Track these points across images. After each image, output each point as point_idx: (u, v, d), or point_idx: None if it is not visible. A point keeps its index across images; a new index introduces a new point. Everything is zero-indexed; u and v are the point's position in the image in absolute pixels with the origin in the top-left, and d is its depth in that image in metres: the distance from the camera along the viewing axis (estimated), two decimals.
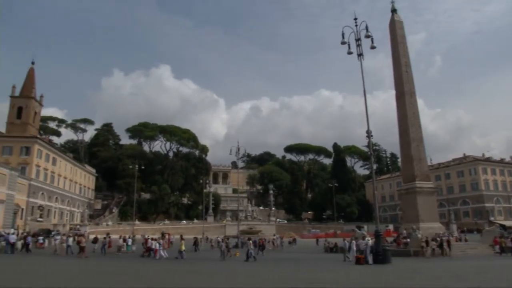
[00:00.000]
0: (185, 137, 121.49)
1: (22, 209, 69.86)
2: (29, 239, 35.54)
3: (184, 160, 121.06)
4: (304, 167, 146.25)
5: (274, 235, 60.68)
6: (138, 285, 14.85)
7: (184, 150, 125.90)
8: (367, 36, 25.43)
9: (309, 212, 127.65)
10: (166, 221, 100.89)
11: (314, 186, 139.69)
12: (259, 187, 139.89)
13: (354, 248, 28.42)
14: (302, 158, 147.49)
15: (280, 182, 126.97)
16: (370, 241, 25.97)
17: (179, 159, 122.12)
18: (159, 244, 31.82)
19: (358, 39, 25.86)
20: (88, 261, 27.20)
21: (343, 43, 26.06)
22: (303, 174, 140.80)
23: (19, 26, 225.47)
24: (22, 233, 45.58)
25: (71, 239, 35.23)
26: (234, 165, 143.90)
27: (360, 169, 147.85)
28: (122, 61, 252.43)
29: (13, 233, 39.01)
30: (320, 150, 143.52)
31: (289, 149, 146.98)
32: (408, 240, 33.13)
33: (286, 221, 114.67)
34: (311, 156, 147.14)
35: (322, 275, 19.70)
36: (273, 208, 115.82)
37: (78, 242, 31.10)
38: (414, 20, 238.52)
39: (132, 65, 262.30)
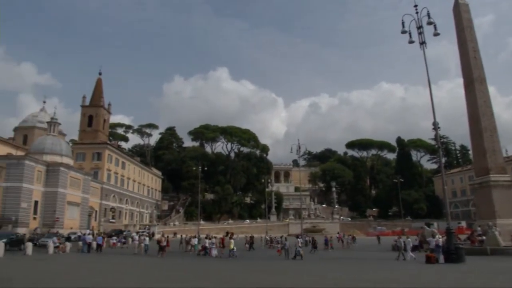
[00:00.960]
0: (246, 137, 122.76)
1: (96, 211, 74.13)
2: (100, 239, 37.39)
3: (245, 160, 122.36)
4: (367, 163, 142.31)
5: (338, 233, 59.45)
6: (210, 283, 15.01)
7: (245, 150, 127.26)
8: (430, 23, 23.98)
9: (373, 209, 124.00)
10: (230, 221, 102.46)
11: (378, 182, 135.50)
12: (321, 184, 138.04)
13: (410, 246, 27.39)
14: (364, 153, 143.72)
15: (343, 179, 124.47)
16: (441, 239, 24.53)
17: (241, 159, 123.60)
18: (212, 243, 32.53)
19: (419, 27, 24.48)
20: (166, 260, 27.70)
21: (403, 32, 24.82)
22: (366, 170, 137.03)
23: (86, 40, 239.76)
24: (98, 234, 48.07)
25: (147, 239, 36.62)
26: (295, 163, 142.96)
27: (427, 163, 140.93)
28: (181, 67, 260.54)
29: (89, 234, 41.36)
30: (383, 145, 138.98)
31: (350, 145, 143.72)
32: (484, 237, 30.90)
33: (350, 219, 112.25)
34: (373, 151, 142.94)
35: (389, 274, 18.86)
36: (336, 206, 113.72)
37: (159, 242, 31.75)
38: (480, 2, 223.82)
39: (191, 70, 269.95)
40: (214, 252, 31.50)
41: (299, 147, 53.02)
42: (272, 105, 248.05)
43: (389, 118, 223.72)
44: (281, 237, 44.52)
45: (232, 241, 31.83)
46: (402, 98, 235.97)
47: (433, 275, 17.73)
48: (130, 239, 44.90)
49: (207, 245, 32.52)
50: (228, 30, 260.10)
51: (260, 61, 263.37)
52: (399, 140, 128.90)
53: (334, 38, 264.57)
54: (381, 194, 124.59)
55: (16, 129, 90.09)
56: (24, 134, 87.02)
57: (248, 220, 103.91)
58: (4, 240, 30.30)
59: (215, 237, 36.43)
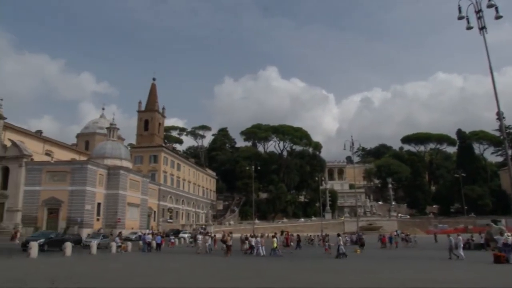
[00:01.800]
0: (298, 135, 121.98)
1: (154, 211, 76.64)
2: (159, 238, 38.52)
3: (298, 158, 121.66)
4: (425, 157, 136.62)
5: (395, 231, 57.51)
6: (266, 282, 14.97)
7: (298, 148, 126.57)
8: (490, 6, 22.41)
9: (433, 206, 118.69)
10: (285, 220, 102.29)
11: (438, 177, 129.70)
12: (376, 181, 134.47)
13: (461, 245, 26.08)
14: (421, 148, 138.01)
15: (399, 175, 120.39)
16: (510, 237, 22.94)
17: (293, 157, 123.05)
18: (258, 242, 32.43)
19: (478, 11, 22.94)
20: (230, 259, 27.86)
21: (460, 18, 23.35)
22: (424, 165, 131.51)
23: (141, 48, 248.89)
24: (156, 234, 49.59)
25: (210, 239, 37.15)
26: (349, 160, 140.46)
27: (491, 156, 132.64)
28: (231, 68, 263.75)
29: (149, 234, 42.76)
30: (441, 138, 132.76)
31: (406, 139, 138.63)
32: None
33: (408, 216, 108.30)
34: (431, 145, 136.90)
35: (452, 274, 17.87)
36: (393, 203, 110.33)
37: (224, 241, 31.75)
38: None
39: (240, 71, 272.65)
40: (260, 251, 31.43)
41: (353, 144, 51.83)
42: (323, 102, 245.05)
43: (447, 110, 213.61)
44: (325, 235, 43.87)
45: (275, 239, 31.72)
46: (461, 88, 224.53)
47: (505, 276, 16.56)
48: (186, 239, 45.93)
49: (253, 243, 32.53)
50: (277, 29, 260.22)
51: (309, 58, 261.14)
52: (460, 133, 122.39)
53: (385, 30, 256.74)
54: (442, 190, 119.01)
55: (78, 136, 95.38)
56: (86, 140, 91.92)
57: (302, 219, 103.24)
58: (42, 240, 30.51)
59: (261, 236, 36.42)
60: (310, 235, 54.98)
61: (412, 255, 31.63)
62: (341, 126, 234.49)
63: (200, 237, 36.89)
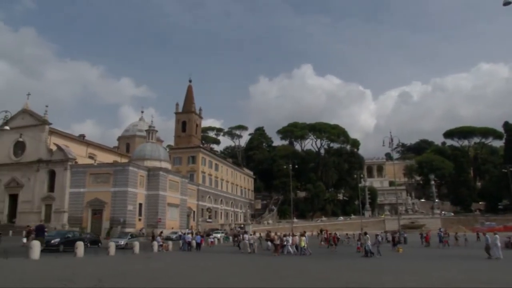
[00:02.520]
0: (335, 132, 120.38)
1: (194, 211, 77.77)
2: (198, 238, 39.00)
3: (336, 156, 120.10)
4: (469, 152, 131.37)
5: (439, 229, 55.63)
6: (307, 282, 14.83)
7: (335, 145, 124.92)
8: None
9: (479, 203, 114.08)
10: (323, 218, 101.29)
11: (484, 173, 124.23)
12: (418, 178, 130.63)
13: (499, 244, 24.80)
14: (465, 142, 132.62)
15: (442, 171, 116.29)
16: None
17: (331, 155, 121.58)
18: (288, 241, 32.41)
19: None
20: (278, 258, 27.64)
21: (506, 3, 22.28)
22: (468, 160, 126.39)
23: (177, 51, 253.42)
24: (197, 233, 50.23)
25: (252, 238, 37.19)
26: (389, 156, 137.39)
27: None
28: (265, 68, 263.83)
29: (188, 233, 43.43)
30: (487, 132, 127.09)
31: (449, 134, 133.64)
32: None
33: (452, 214, 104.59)
34: (476, 139, 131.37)
35: (487, 274, 17.03)
36: (436, 200, 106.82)
37: (271, 240, 31.82)
38: None
39: (275, 70, 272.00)
40: (289, 249, 31.46)
41: (392, 140, 50.39)
42: (360, 98, 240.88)
43: (492, 102, 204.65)
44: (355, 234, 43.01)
45: (303, 238, 31.56)
46: (507, 79, 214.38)
47: None
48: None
49: (284, 242, 32.32)
50: (310, 26, 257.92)
51: (345, 54, 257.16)
52: (507, 125, 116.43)
53: (423, 22, 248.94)
54: (488, 186, 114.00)
55: (119, 138, 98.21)
56: (126, 143, 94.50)
57: (341, 217, 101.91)
58: (57, 239, 28.74)
59: (290, 235, 36.26)
60: (347, 234, 54.26)
61: (454, 254, 30.55)
62: (378, 122, 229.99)
63: (246, 236, 36.91)
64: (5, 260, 18.92)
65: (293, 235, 35.21)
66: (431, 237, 43.61)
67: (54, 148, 61.18)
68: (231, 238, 50.45)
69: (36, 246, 20.49)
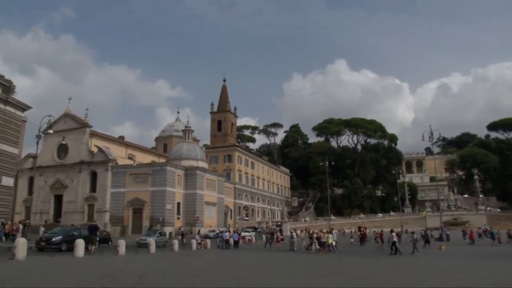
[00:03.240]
0: (371, 128, 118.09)
1: (231, 210, 78.34)
2: (236, 236, 39.23)
3: (373, 152, 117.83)
4: None
5: (484, 226, 53.57)
6: (348, 280, 14.58)
7: (372, 141, 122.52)
8: None
9: None
10: (361, 215, 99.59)
11: None
12: (460, 173, 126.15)
13: None
14: (511, 135, 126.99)
15: (486, 165, 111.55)
16: None
17: (368, 151, 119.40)
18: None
19: None
20: (319, 256, 27.33)
21: None
22: None
23: (211, 52, 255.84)
24: (234, 231, 50.56)
25: (295, 236, 36.78)
26: (429, 151, 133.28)
27: None
28: (299, 64, 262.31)
29: (226, 231, 43.73)
30: None
31: (493, 126, 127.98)
32: None
33: (498, 210, 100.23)
34: None
35: None
36: (480, 196, 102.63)
37: (318, 238, 31.33)
38: None
39: (308, 66, 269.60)
40: (316, 246, 31.52)
41: (432, 134, 48.79)
42: (397, 92, 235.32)
43: None
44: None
45: (330, 235, 31.52)
46: None
47: None
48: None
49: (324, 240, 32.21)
50: (343, 21, 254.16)
51: (380, 48, 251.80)
52: None
53: (461, 10, 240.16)
54: None
55: (157, 139, 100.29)
56: (164, 143, 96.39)
57: (380, 214, 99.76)
58: (59, 237, 25.77)
59: (316, 233, 35.82)
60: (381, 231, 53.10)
61: (504, 252, 29.25)
62: (417, 116, 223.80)
63: (294, 234, 36.50)
64: (51, 258, 19.65)
65: (321, 232, 34.91)
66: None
67: (95, 150, 63.15)
68: (264, 236, 50.39)
69: (80, 245, 21.15)
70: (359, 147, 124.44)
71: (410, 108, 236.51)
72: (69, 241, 24.98)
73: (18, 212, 62.36)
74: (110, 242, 35.42)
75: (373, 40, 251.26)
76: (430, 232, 48.64)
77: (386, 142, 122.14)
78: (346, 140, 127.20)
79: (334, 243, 31.20)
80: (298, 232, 53.48)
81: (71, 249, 24.23)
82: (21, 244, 18.13)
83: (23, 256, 17.81)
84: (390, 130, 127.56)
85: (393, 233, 29.29)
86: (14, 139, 36.18)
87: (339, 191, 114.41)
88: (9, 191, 35.61)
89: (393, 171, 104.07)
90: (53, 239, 25.05)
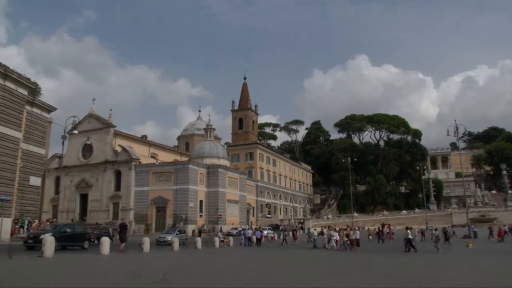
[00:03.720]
0: (394, 123, 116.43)
1: (253, 207, 78.49)
2: (258, 233, 39.23)
3: (396, 148, 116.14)
4: None
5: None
6: (374, 278, 14.40)
7: (395, 137, 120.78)
8: None
9: None
10: (385, 212, 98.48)
11: None
12: (487, 168, 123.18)
13: None
14: None
15: None
16: None
17: (391, 147, 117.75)
18: (331, 235, 32.34)
19: None
20: (356, 254, 26.62)
21: None
22: None
23: (231, 50, 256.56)
24: (256, 229, 50.65)
25: (336, 234, 36.44)
26: (454, 146, 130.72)
27: None
28: (319, 61, 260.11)
29: (248, 229, 43.86)
30: None
31: None
32: None
33: None
34: None
35: None
36: (509, 191, 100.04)
37: (347, 236, 30.76)
38: None
39: (329, 62, 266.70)
40: (333, 243, 31.47)
41: (457, 128, 47.55)
42: (420, 87, 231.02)
43: None
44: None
45: (351, 232, 31.84)
46: None
47: None
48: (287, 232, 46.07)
49: (356, 236, 32.47)
50: (364, 15, 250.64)
51: (402, 42, 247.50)
52: None
53: (486, 2, 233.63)
54: None
55: (179, 138, 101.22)
56: (186, 142, 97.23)
57: (404, 211, 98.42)
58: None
59: (334, 230, 35.48)
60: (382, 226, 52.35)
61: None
62: (441, 110, 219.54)
63: (324, 231, 36.21)
64: (77, 255, 20.04)
65: (338, 230, 34.66)
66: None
67: (119, 149, 64.14)
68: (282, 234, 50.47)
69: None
70: (381, 143, 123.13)
71: (434, 103, 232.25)
72: (61, 238, 23.61)
73: (46, 211, 63.99)
74: (111, 240, 30.24)
75: (395, 34, 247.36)
76: (452, 229, 47.80)
77: (409, 138, 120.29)
78: (369, 136, 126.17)
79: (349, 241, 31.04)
80: (325, 229, 53.24)
81: (64, 247, 23.97)
82: (49, 242, 18.53)
83: (51, 254, 18.19)
84: (413, 125, 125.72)
85: (408, 231, 29.00)
86: (41, 140, 37.03)
87: (361, 187, 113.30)
88: (37, 190, 36.47)
89: (418, 167, 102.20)
90: (41, 236, 21.85)
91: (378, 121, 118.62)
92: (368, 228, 54.67)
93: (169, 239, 33.10)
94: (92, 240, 28.49)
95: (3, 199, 28.52)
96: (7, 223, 28.96)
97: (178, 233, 37.02)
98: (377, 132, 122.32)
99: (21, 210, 32.34)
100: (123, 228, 25.36)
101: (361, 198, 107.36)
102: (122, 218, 31.28)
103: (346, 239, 30.50)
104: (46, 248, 18.10)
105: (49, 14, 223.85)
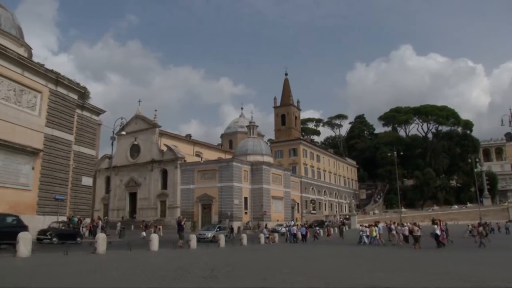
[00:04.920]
0: (443, 114, 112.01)
1: (298, 203, 78.21)
2: (304, 229, 39.07)
3: (446, 140, 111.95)
4: None
5: None
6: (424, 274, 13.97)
7: (444, 128, 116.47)
8: None
9: None
10: (435, 207, 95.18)
11: None
12: None
13: None
14: None
15: None
16: None
17: (440, 139, 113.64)
18: (363, 231, 32.70)
19: None
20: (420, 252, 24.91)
21: None
22: None
23: (271, 47, 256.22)
24: (302, 225, 50.45)
25: (367, 230, 35.65)
26: (509, 137, 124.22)
27: None
28: (361, 53, 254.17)
29: (293, 225, 43.77)
30: None
31: None
32: None
33: None
34: None
35: None
36: None
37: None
38: None
39: (371, 54, 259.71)
40: (365, 240, 31.73)
41: None
42: (470, 75, 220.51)
43: None
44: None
45: (373, 228, 31.92)
46: None
47: None
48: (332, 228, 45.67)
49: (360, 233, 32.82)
50: (407, 3, 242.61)
51: (449, 29, 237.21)
52: None
53: None
54: None
55: (222, 136, 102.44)
56: (229, 139, 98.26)
57: (456, 206, 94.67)
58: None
59: (365, 226, 34.70)
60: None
61: None
62: (493, 99, 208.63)
63: (393, 227, 35.27)
64: (128, 252, 20.73)
65: (370, 226, 33.86)
66: None
67: (164, 148, 65.82)
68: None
69: (154, 239, 22.15)
70: (429, 135, 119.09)
71: (485, 91, 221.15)
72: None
73: (97, 210, 66.72)
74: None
75: (442, 20, 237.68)
76: (494, 225, 45.90)
77: (460, 129, 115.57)
78: (415, 128, 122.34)
79: (378, 236, 31.63)
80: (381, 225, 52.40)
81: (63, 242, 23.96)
82: (101, 239, 19.33)
83: (104, 250, 18.96)
84: (463, 116, 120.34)
85: (435, 226, 28.76)
86: (91, 142, 38.60)
87: (409, 182, 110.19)
88: (89, 190, 38.08)
89: (469, 160, 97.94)
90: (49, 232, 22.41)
91: (426, 112, 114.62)
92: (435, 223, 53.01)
93: (209, 236, 33.84)
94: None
95: (58, 199, 30.03)
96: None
97: (218, 229, 36.66)
98: (425, 124, 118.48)
99: (75, 209, 33.85)
100: (179, 225, 26.36)
101: (409, 193, 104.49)
102: (178, 216, 31.91)
103: (375, 234, 31.25)
104: (99, 245, 18.89)
105: (95, 21, 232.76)
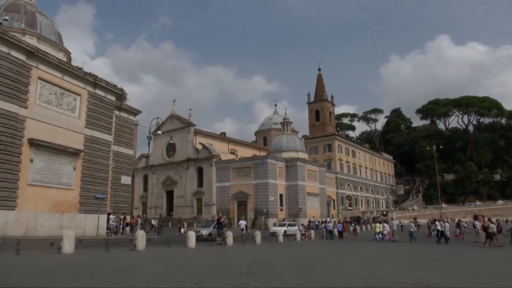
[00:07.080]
0: (485, 106, 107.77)
1: (333, 200, 77.39)
2: (340, 226, 38.64)
3: (488, 132, 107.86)
4: None
5: None
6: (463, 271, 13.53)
7: (486, 120, 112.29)
8: None
9: None
10: (478, 202, 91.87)
11: None
12: None
13: None
14: None
15: None
16: None
17: (482, 131, 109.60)
18: (385, 227, 33.72)
19: None
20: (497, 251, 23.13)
21: None
22: None
23: (303, 43, 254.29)
24: (338, 222, 49.93)
25: (387, 226, 34.55)
26: None
27: None
28: (395, 46, 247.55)
29: (329, 222, 43.37)
30: None
31: None
32: None
33: None
34: None
35: None
36: None
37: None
38: None
39: (406, 46, 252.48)
40: (376, 237, 32.36)
41: None
42: None
43: None
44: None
45: (377, 225, 33.72)
46: None
47: None
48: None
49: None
50: None
51: (489, 15, 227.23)
52: None
53: None
54: None
55: (256, 133, 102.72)
56: (263, 136, 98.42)
57: (500, 201, 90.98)
58: None
59: (482, 219, 33.30)
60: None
61: None
62: None
63: (477, 223, 32.77)
64: (166, 249, 21.16)
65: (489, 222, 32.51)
66: None
67: (199, 147, 66.70)
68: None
69: (191, 236, 22.51)
70: (470, 128, 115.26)
71: None
72: None
73: (136, 207, 68.51)
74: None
75: (480, 7, 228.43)
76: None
77: (503, 121, 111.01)
78: (455, 121, 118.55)
79: (385, 232, 32.60)
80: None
81: None
82: (141, 236, 19.79)
83: (143, 247, 19.40)
84: (507, 106, 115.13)
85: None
86: (129, 142, 39.56)
87: (449, 176, 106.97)
88: (128, 188, 39.05)
89: None
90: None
91: (466, 104, 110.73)
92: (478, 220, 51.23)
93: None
94: None
95: (99, 197, 30.99)
96: (103, 219, 31.44)
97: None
98: (465, 117, 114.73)
99: (114, 208, 34.81)
100: (219, 223, 26.74)
101: (450, 188, 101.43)
102: (218, 214, 31.97)
103: (379, 231, 32.39)
104: (138, 242, 19.35)
105: (129, 24, 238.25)
